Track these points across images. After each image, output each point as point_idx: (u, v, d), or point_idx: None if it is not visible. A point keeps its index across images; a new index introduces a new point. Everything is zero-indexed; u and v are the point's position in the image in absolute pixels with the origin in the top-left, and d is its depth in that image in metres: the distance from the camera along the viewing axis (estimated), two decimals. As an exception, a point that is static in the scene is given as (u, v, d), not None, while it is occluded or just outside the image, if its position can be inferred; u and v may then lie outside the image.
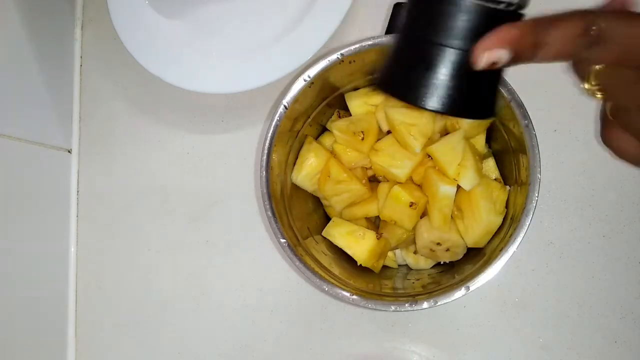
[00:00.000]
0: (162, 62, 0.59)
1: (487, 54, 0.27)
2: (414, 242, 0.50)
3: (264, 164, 0.47)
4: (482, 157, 0.50)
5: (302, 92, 0.47)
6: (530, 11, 0.29)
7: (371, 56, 0.47)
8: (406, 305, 0.43)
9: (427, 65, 0.29)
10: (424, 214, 0.49)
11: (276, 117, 0.46)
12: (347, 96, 0.51)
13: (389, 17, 0.49)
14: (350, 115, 0.51)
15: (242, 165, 0.60)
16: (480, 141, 0.50)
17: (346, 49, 0.45)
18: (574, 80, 0.31)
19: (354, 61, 0.47)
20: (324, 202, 0.54)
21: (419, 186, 0.49)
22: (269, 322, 0.58)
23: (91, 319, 0.61)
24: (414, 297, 0.44)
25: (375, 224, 0.53)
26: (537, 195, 0.42)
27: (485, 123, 0.48)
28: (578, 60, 0.30)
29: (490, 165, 0.50)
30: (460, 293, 0.43)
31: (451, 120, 0.48)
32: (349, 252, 0.49)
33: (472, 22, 0.28)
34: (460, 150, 0.46)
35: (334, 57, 0.46)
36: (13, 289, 0.54)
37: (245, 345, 0.58)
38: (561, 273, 0.54)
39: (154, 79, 0.58)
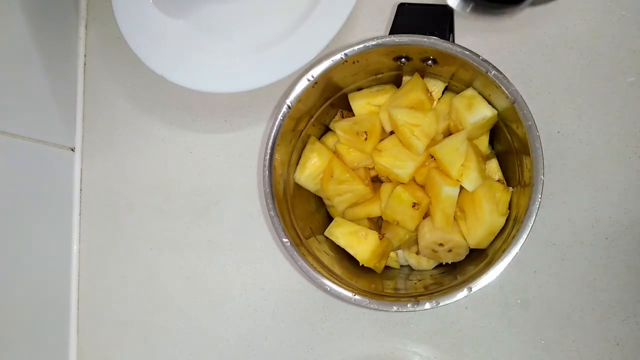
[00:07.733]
0: (166, 61, 0.59)
1: None
2: (416, 242, 0.50)
3: (266, 163, 0.47)
4: (485, 158, 0.50)
5: (306, 92, 0.47)
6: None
7: (375, 56, 0.47)
8: (408, 305, 0.43)
9: None
10: (426, 215, 0.49)
11: (279, 117, 0.46)
12: (350, 96, 0.51)
13: (393, 17, 0.49)
14: (354, 115, 0.51)
15: (245, 165, 0.60)
16: (483, 142, 0.50)
17: (350, 49, 0.45)
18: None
19: (358, 61, 0.47)
20: (327, 202, 0.54)
21: (422, 187, 0.49)
22: (271, 321, 0.58)
23: (93, 317, 0.61)
24: (416, 298, 0.44)
25: (377, 224, 0.53)
26: (540, 196, 0.42)
27: (488, 124, 0.48)
28: None
29: (493, 166, 0.50)
30: (462, 294, 0.43)
31: (455, 122, 0.48)
32: (351, 252, 0.49)
33: None
34: (463, 151, 0.45)
35: (338, 57, 0.46)
36: (15, 286, 0.54)
37: (246, 345, 0.58)
38: (563, 275, 0.54)
39: (158, 78, 0.58)
